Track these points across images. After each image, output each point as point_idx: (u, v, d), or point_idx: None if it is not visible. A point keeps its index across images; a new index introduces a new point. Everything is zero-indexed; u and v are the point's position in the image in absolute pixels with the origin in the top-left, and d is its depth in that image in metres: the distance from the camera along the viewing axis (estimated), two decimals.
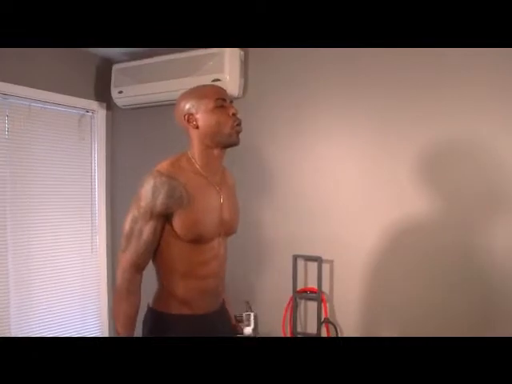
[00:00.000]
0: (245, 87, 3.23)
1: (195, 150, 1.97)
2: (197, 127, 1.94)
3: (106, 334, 3.68)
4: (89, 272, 3.63)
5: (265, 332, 3.12)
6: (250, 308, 2.38)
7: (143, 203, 1.82)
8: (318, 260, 2.93)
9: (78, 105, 3.55)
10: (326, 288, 2.97)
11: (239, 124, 1.96)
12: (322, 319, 2.93)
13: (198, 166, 1.95)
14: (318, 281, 2.93)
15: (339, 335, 2.90)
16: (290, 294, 3.03)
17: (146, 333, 1.99)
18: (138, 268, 1.87)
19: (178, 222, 1.85)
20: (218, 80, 3.04)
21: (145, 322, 2.00)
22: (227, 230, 2.03)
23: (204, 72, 3.11)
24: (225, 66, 3.06)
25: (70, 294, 3.52)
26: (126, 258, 1.86)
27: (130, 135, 3.72)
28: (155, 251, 1.93)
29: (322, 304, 2.93)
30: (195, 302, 1.95)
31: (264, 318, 3.12)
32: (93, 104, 3.63)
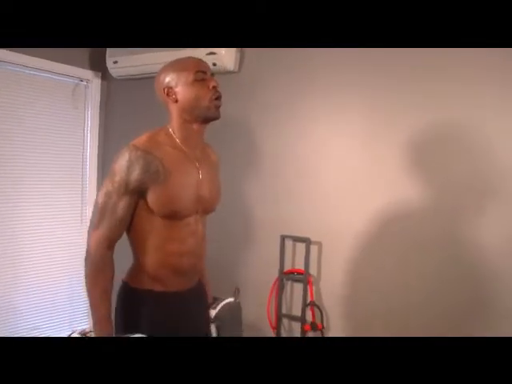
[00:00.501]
0: (241, 62, 3.14)
1: (174, 124, 1.93)
2: (176, 101, 1.91)
3: None
4: (78, 243, 3.58)
5: (250, 312, 3.10)
6: (237, 294, 2.32)
7: (117, 178, 1.78)
8: (306, 241, 2.88)
9: (72, 73, 3.48)
10: (313, 270, 2.92)
11: (219, 98, 1.91)
12: (308, 302, 2.89)
13: (177, 141, 1.91)
14: (306, 262, 2.88)
15: (324, 319, 2.86)
16: (277, 274, 2.99)
17: (119, 308, 1.96)
18: (110, 243, 1.84)
19: (152, 198, 1.81)
20: (213, 53, 2.97)
21: (118, 297, 1.97)
22: (205, 207, 1.98)
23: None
24: None
25: (58, 264, 3.50)
26: (98, 234, 1.82)
27: (124, 106, 3.65)
28: (129, 226, 1.88)
29: (308, 286, 2.88)
30: (169, 279, 1.91)
31: (250, 298, 3.12)
32: (88, 73, 3.57)
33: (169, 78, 1.90)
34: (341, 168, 2.82)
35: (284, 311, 3.01)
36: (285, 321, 3.02)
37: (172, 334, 1.84)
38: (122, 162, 1.78)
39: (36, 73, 3.28)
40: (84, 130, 3.59)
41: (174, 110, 1.92)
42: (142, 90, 3.53)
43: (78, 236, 3.55)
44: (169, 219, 1.85)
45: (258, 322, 3.03)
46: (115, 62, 3.37)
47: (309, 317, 2.88)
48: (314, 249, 2.90)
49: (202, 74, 1.89)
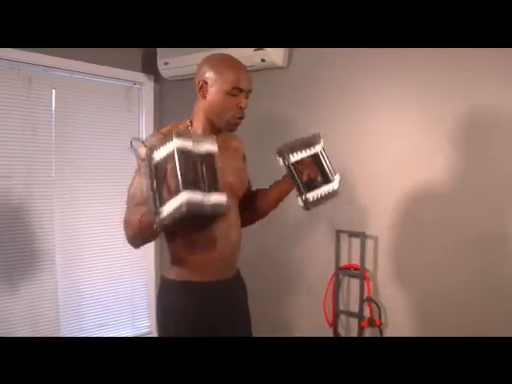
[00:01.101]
0: (290, 57, 3.12)
1: (197, 117, 1.96)
2: (205, 98, 1.91)
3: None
4: None
5: (307, 308, 3.09)
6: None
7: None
8: (361, 236, 2.83)
9: (125, 77, 3.57)
10: (369, 265, 2.87)
11: (241, 118, 1.93)
12: (365, 297, 2.84)
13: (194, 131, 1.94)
14: (361, 257, 2.83)
15: (382, 315, 2.79)
16: (333, 270, 2.95)
17: (158, 300, 2.02)
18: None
19: None
20: (261, 49, 2.97)
21: (158, 291, 2.05)
22: (231, 192, 1.96)
23: None
24: None
25: (119, 265, 3.59)
26: (133, 218, 1.82)
27: (177, 106, 3.68)
28: None
29: (365, 282, 2.83)
30: (203, 268, 1.93)
31: (306, 294, 3.10)
32: (140, 76, 3.64)
33: (208, 74, 1.90)
34: (396, 161, 2.74)
35: (341, 307, 2.97)
36: (342, 317, 2.97)
37: (205, 323, 1.91)
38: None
39: (90, 78, 3.37)
40: (138, 132, 3.65)
41: (200, 104, 1.94)
42: (193, 90, 3.57)
43: None
44: None
45: (315, 318, 3.00)
46: (166, 64, 3.42)
47: (366, 313, 2.83)
48: (370, 243, 2.85)
49: (237, 91, 1.88)
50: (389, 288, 2.81)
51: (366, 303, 2.83)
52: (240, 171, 2.09)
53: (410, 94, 2.67)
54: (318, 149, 2.07)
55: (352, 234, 2.90)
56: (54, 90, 3.19)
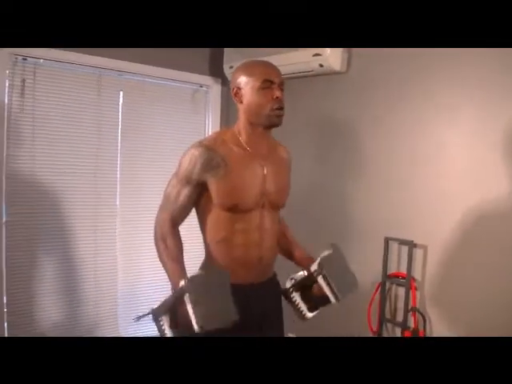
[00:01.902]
0: (348, 62, 3.12)
1: (240, 124, 2.03)
2: (241, 102, 1.99)
3: None
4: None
5: (351, 317, 3.07)
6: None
7: (181, 171, 1.95)
8: (409, 244, 2.79)
9: (192, 80, 3.72)
10: (418, 275, 2.82)
11: (280, 108, 1.96)
12: (410, 307, 2.79)
13: (241, 140, 2.00)
14: (408, 266, 2.79)
15: (427, 326, 2.74)
16: (379, 278, 2.92)
17: None
18: (172, 224, 1.99)
19: (214, 191, 1.93)
20: (319, 55, 3.01)
21: None
22: (271, 201, 2.02)
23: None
24: None
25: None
26: (163, 216, 2.00)
27: None
28: (200, 220, 2.05)
29: (411, 291, 2.78)
30: (234, 271, 1.94)
31: (352, 301, 3.07)
32: (207, 79, 3.77)
33: (239, 79, 1.98)
34: (449, 170, 2.68)
35: (387, 316, 2.93)
36: (387, 325, 2.94)
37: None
38: (187, 157, 1.94)
39: (155, 81, 3.55)
40: (205, 133, 3.78)
41: (241, 110, 2.02)
42: None
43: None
44: (231, 212, 1.95)
45: (359, 325, 2.98)
46: (231, 67, 3.52)
47: (411, 323, 2.79)
48: (419, 253, 2.80)
49: (268, 83, 1.93)
50: (436, 299, 2.75)
51: (410, 313, 2.78)
52: (283, 182, 2.12)
53: (478, 101, 2.57)
54: (319, 280, 2.01)
55: (401, 242, 2.86)
56: (121, 92, 3.39)
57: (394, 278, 2.89)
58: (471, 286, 2.59)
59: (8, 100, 2.94)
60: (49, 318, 3.17)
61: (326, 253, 2.07)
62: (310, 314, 2.06)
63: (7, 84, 2.93)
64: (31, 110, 3.03)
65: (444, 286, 2.70)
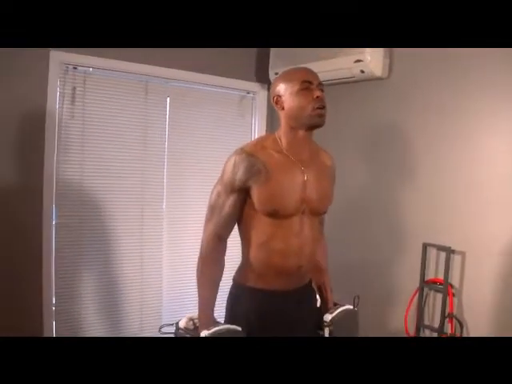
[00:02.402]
0: (390, 68, 3.12)
1: (281, 131, 2.07)
2: (283, 108, 2.04)
3: None
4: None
5: (388, 320, 3.06)
6: (356, 302, 2.29)
7: (225, 178, 1.99)
8: (447, 250, 2.76)
9: (239, 87, 3.80)
10: (456, 281, 2.78)
11: (321, 107, 1.99)
12: (447, 313, 2.76)
13: (282, 146, 2.04)
14: (445, 272, 2.76)
15: (464, 333, 2.71)
16: (417, 283, 2.90)
17: (227, 302, 2.14)
18: (220, 237, 2.04)
19: (255, 196, 1.97)
20: (360, 61, 3.03)
21: (229, 292, 2.15)
22: (312, 208, 2.04)
23: (347, 53, 3.10)
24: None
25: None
26: (209, 228, 2.04)
27: None
28: (239, 224, 2.08)
29: (448, 297, 2.75)
30: (272, 277, 2.02)
31: (389, 306, 3.09)
32: (254, 86, 3.85)
33: (278, 88, 2.04)
34: (490, 175, 2.64)
35: (425, 322, 2.91)
36: (425, 332, 2.91)
37: (264, 332, 1.97)
38: (229, 163, 1.98)
39: (206, 88, 3.66)
40: (251, 139, 3.79)
41: (282, 117, 2.06)
42: None
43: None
44: (272, 217, 1.97)
45: (396, 331, 2.97)
46: (277, 74, 3.57)
47: (448, 329, 2.76)
48: (457, 259, 2.77)
49: (307, 84, 1.98)
50: (473, 306, 2.71)
51: (447, 319, 2.75)
52: (325, 189, 2.11)
53: None
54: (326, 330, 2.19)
55: (439, 248, 2.84)
56: (168, 98, 3.51)
57: (432, 283, 2.86)
58: (509, 295, 2.54)
59: (59, 107, 3.10)
60: (93, 320, 3.30)
61: (345, 308, 2.22)
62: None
63: (58, 92, 3.09)
64: (81, 117, 3.18)
65: (482, 293, 2.65)
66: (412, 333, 2.91)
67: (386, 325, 3.05)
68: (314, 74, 2.04)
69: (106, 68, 3.23)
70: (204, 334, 1.87)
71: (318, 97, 1.97)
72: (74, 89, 3.15)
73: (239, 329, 1.93)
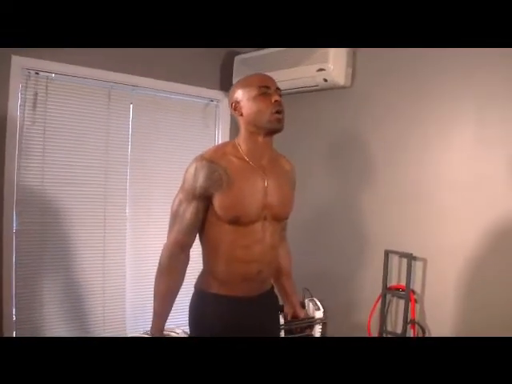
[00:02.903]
0: (353, 76, 3.18)
1: (241, 137, 2.07)
2: (241, 114, 2.03)
3: None
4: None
5: (351, 326, 3.09)
6: (311, 294, 2.38)
7: (186, 186, 1.98)
8: (408, 257, 2.80)
9: (202, 95, 3.80)
10: (418, 288, 2.83)
11: (279, 112, 1.99)
12: (409, 319, 2.80)
13: (241, 152, 2.03)
14: (407, 278, 2.80)
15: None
16: (380, 290, 2.94)
17: (190, 308, 2.12)
18: (181, 247, 2.00)
19: (217, 203, 1.95)
20: (323, 69, 3.07)
21: (191, 298, 2.13)
22: (274, 214, 2.04)
23: (311, 62, 3.14)
24: (329, 55, 3.05)
25: None
26: (171, 236, 2.01)
27: None
28: (201, 231, 2.05)
29: (410, 303, 2.79)
30: (235, 284, 2.02)
31: (352, 312, 3.12)
32: (218, 94, 3.85)
33: (236, 94, 2.04)
34: (450, 183, 2.70)
35: (388, 328, 2.94)
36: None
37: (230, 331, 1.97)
38: (190, 171, 1.96)
39: (167, 95, 3.64)
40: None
41: (241, 123, 2.05)
42: None
43: None
44: (234, 224, 1.96)
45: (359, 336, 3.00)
46: None
47: (411, 335, 2.79)
48: (418, 265, 2.82)
49: (264, 89, 1.98)
50: (435, 311, 2.75)
51: (409, 325, 2.79)
52: (285, 194, 2.11)
53: (473, 115, 2.60)
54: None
55: (401, 255, 2.88)
56: (131, 105, 3.48)
57: (395, 290, 2.90)
58: (470, 300, 2.59)
59: (20, 113, 3.04)
60: (56, 326, 3.23)
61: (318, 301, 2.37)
62: None
63: (20, 97, 3.03)
64: (42, 123, 3.13)
65: (443, 298, 2.70)
66: None
67: (349, 331, 3.07)
68: (271, 79, 2.05)
69: (69, 74, 3.19)
70: None
71: (276, 101, 1.97)
72: (35, 94, 3.09)
73: None
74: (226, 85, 3.80)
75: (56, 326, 3.23)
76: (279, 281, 2.32)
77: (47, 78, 3.13)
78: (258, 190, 1.99)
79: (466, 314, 2.61)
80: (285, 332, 2.27)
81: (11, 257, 3.05)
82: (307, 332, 2.31)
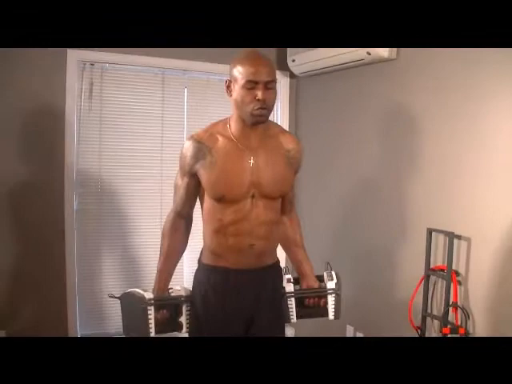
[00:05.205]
0: (398, 49, 2.99)
1: (232, 116, 2.10)
2: (231, 95, 2.05)
3: None
4: None
5: (391, 308, 2.97)
6: (331, 268, 2.35)
7: (179, 163, 2.14)
8: (449, 235, 2.62)
9: None
10: (462, 269, 2.64)
11: (262, 108, 1.96)
12: (451, 302, 2.62)
13: (230, 132, 2.07)
14: (448, 258, 2.62)
15: (469, 322, 2.56)
16: (423, 271, 2.78)
17: (193, 282, 2.24)
18: (178, 214, 2.21)
19: (203, 181, 2.08)
20: None
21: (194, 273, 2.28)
22: (262, 192, 2.06)
23: None
24: None
25: None
26: (172, 207, 2.22)
27: (312, 102, 3.81)
28: (201, 206, 2.19)
29: (452, 285, 2.62)
30: (228, 256, 2.10)
31: (394, 292, 3.02)
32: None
33: (232, 73, 2.03)
34: (498, 159, 2.45)
35: (433, 311, 2.79)
36: (429, 321, 2.79)
37: (218, 308, 2.09)
38: (182, 149, 2.11)
39: (223, 78, 3.60)
40: None
41: (231, 101, 2.06)
42: (325, 84, 3.66)
43: None
44: (221, 202, 2.04)
45: (402, 319, 2.87)
46: (293, 61, 3.57)
47: (452, 319, 2.62)
48: (463, 245, 2.63)
49: (252, 84, 1.94)
50: (480, 295, 2.55)
51: (451, 309, 2.62)
52: (277, 173, 2.10)
53: None
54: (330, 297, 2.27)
55: (446, 234, 2.69)
56: (185, 89, 3.59)
57: (440, 271, 2.73)
58: None
59: (78, 102, 3.29)
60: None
61: (334, 273, 2.30)
62: (295, 320, 2.24)
63: (76, 88, 3.27)
64: (98, 110, 3.37)
65: (488, 281, 2.49)
66: (417, 322, 2.79)
67: (392, 314, 2.96)
68: (263, 71, 1.96)
69: (122, 63, 3.38)
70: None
71: (259, 99, 1.94)
72: (91, 84, 3.34)
73: (144, 295, 2.10)
74: (283, 64, 3.77)
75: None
76: (289, 251, 2.37)
77: (102, 69, 3.36)
78: (243, 169, 2.03)
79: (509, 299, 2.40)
80: (295, 302, 2.24)
81: (73, 234, 3.32)
82: (321, 303, 2.26)
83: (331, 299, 2.26)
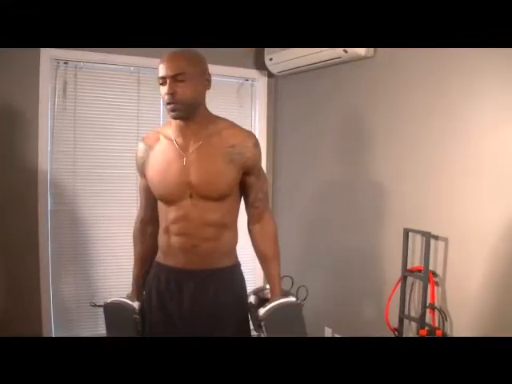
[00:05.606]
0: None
1: None
2: None
3: None
4: None
5: (368, 310, 2.96)
6: (292, 283, 2.16)
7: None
8: (426, 235, 2.60)
9: (237, 74, 3.77)
10: (440, 270, 2.62)
11: (170, 105, 1.91)
12: (428, 303, 2.60)
13: (169, 131, 2.05)
14: (425, 259, 2.60)
15: (446, 324, 2.54)
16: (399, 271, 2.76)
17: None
18: (141, 220, 2.23)
19: (148, 182, 2.10)
20: None
21: None
22: (199, 192, 1.97)
23: None
24: None
25: None
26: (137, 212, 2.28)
27: (291, 100, 3.79)
28: None
29: (429, 286, 2.60)
30: (174, 255, 2.08)
31: (371, 295, 3.01)
32: (253, 73, 3.80)
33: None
34: (474, 157, 2.44)
35: (411, 313, 2.77)
36: (406, 323, 2.77)
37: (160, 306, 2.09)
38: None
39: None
40: (251, 126, 3.81)
41: None
42: (303, 83, 3.63)
43: None
44: (163, 202, 2.05)
45: (376, 321, 2.85)
46: (271, 59, 3.54)
47: (429, 320, 2.60)
48: (440, 246, 2.61)
49: (162, 80, 1.92)
50: (458, 296, 2.53)
51: (428, 310, 2.60)
52: (213, 173, 2.00)
53: (498, 90, 2.33)
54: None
55: (423, 234, 2.67)
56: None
57: (417, 272, 2.71)
58: (496, 284, 2.36)
59: (51, 101, 3.23)
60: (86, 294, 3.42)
61: (283, 301, 2.05)
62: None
63: (50, 86, 3.22)
64: (73, 109, 3.31)
65: (466, 282, 2.47)
66: (394, 324, 2.77)
67: (370, 316, 2.94)
68: (169, 66, 1.90)
69: (97, 61, 3.32)
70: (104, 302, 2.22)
71: (166, 94, 1.89)
72: (65, 83, 3.27)
73: (134, 305, 2.13)
74: (260, 63, 3.74)
75: (86, 294, 3.42)
76: (261, 264, 2.21)
77: (76, 67, 3.29)
78: (175, 170, 1.99)
79: (490, 298, 2.38)
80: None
81: (47, 235, 3.28)
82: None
83: (263, 327, 2.04)
